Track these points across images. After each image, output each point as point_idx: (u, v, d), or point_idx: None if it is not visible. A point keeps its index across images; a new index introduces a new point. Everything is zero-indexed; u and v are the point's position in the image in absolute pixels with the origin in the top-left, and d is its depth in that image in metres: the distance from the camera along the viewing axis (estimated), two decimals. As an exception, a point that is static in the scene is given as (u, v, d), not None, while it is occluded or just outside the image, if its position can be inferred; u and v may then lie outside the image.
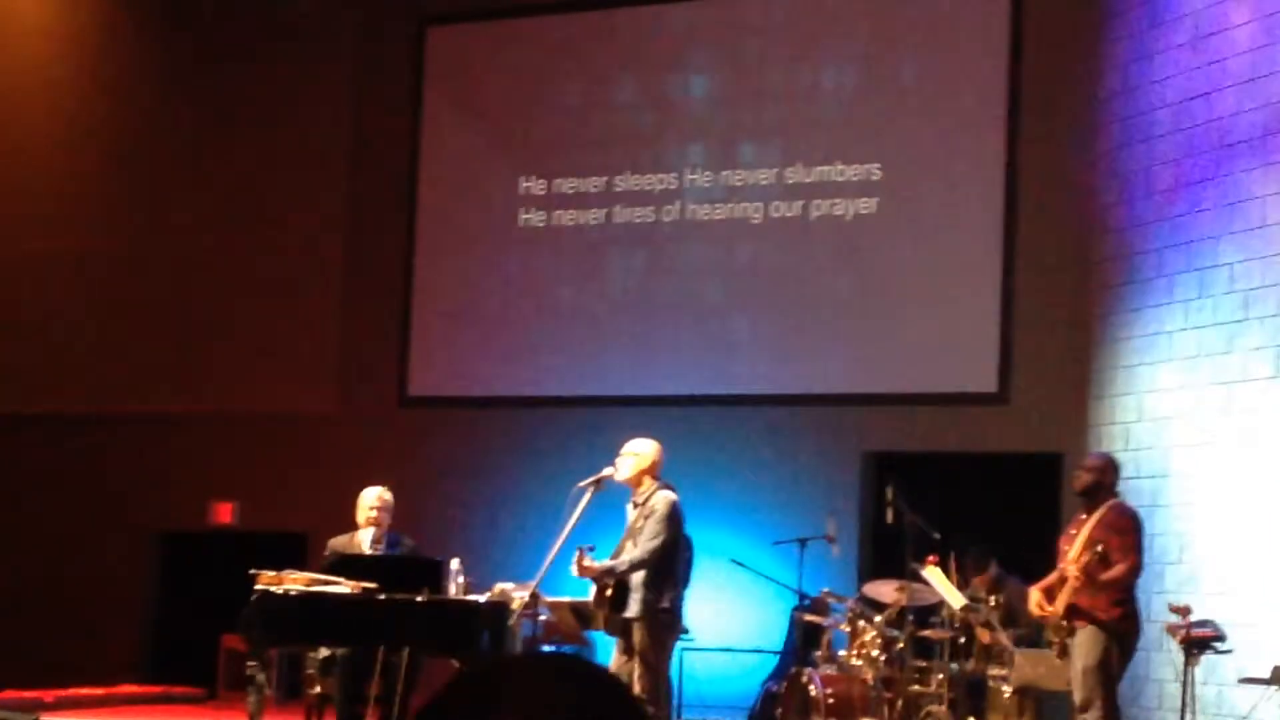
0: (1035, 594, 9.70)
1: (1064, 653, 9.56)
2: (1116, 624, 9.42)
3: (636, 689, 9.03)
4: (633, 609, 9.20)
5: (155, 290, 15.69)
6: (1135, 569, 9.51)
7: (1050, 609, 9.52)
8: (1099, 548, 9.36)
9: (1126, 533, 9.54)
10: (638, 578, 9.19)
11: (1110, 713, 9.41)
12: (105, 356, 15.75)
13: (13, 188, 16.36)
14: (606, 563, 9.27)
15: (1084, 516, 9.67)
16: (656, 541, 9.19)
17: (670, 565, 9.31)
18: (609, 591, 9.24)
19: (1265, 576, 10.51)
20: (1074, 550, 9.53)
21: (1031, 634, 10.69)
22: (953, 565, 10.90)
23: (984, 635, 10.64)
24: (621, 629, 9.28)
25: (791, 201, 13.97)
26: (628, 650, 9.24)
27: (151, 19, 16.38)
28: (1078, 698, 9.43)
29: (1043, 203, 13.04)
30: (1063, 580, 9.55)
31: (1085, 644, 9.41)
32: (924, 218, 13.50)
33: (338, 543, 10.50)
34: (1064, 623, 9.47)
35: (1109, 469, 9.87)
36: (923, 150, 13.59)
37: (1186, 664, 9.66)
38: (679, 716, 12.43)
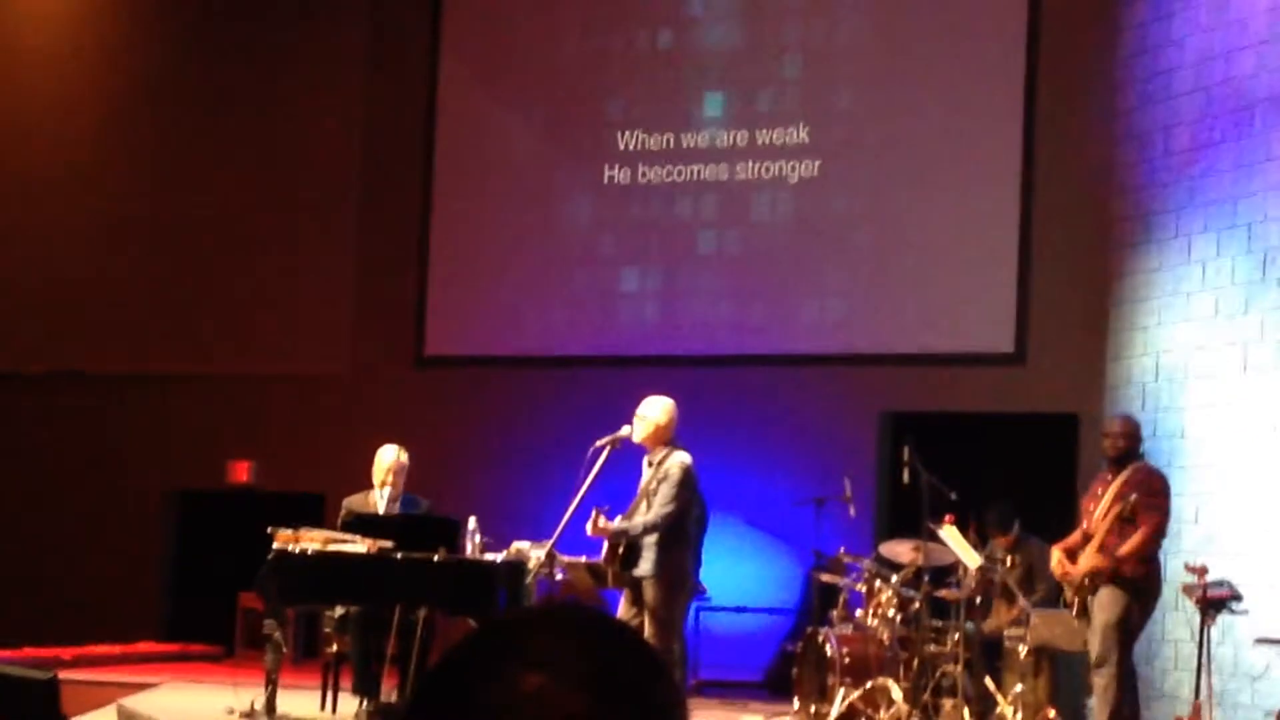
0: (1057, 553, 9.71)
1: (1083, 612, 9.57)
2: (1139, 581, 9.42)
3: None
4: (643, 568, 9.28)
5: (173, 251, 15.68)
6: (1159, 530, 9.50)
7: (1072, 569, 9.53)
8: (1132, 497, 9.37)
9: (1156, 494, 9.54)
10: (650, 538, 9.26)
11: (1124, 670, 9.43)
12: (123, 317, 15.75)
13: (33, 152, 16.35)
14: (620, 524, 9.32)
15: (1109, 478, 9.67)
16: (670, 506, 9.26)
17: (683, 528, 9.39)
18: (620, 549, 9.31)
19: (1282, 537, 10.50)
20: (1100, 509, 9.53)
21: (1050, 595, 10.69)
22: (971, 528, 10.90)
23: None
24: (631, 584, 9.36)
25: (809, 160, 13.92)
26: (636, 603, 9.32)
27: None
28: (1094, 653, 9.44)
29: (1060, 163, 12.99)
30: (1086, 539, 9.56)
31: (1107, 600, 9.41)
32: (941, 178, 13.46)
33: (353, 502, 10.51)
34: (1085, 582, 9.47)
35: (1137, 432, 9.88)
36: (941, 109, 13.53)
37: (1203, 624, 9.65)
38: (695, 676, 12.46)
